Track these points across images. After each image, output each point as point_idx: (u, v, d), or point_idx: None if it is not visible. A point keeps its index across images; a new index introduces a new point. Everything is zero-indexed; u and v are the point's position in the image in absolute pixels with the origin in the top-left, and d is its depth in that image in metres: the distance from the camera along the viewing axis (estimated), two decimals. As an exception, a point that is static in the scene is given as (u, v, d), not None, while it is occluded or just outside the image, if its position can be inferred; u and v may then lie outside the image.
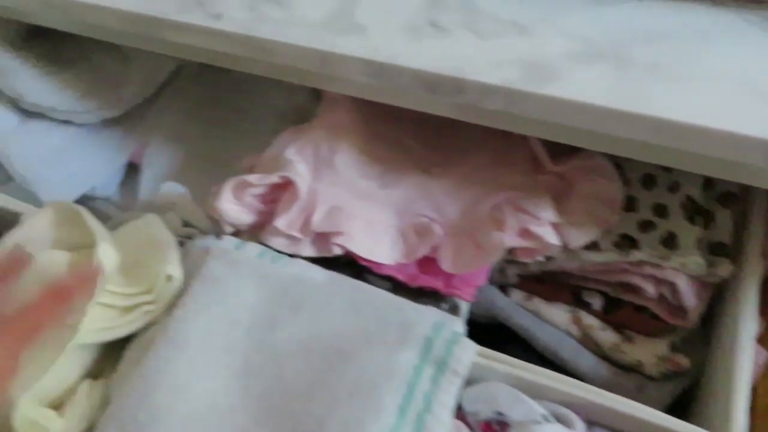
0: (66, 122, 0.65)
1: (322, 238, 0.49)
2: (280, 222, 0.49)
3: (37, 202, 0.61)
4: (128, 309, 0.44)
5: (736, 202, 0.49)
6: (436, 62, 0.41)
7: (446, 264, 0.48)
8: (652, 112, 0.37)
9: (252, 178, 0.47)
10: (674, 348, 0.49)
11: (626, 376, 0.49)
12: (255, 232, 0.52)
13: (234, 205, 0.49)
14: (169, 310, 0.44)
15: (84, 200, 0.65)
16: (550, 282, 0.53)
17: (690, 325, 0.48)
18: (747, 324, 0.44)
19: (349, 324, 0.42)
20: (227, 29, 0.45)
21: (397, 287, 0.49)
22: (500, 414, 0.43)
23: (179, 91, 0.67)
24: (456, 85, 0.40)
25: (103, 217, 0.65)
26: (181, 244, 0.55)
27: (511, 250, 0.48)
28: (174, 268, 0.45)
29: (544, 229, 0.46)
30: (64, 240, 0.47)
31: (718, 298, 0.49)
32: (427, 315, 0.43)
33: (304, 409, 0.39)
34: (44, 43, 0.63)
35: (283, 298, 0.43)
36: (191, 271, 0.47)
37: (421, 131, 0.54)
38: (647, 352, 0.49)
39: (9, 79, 0.60)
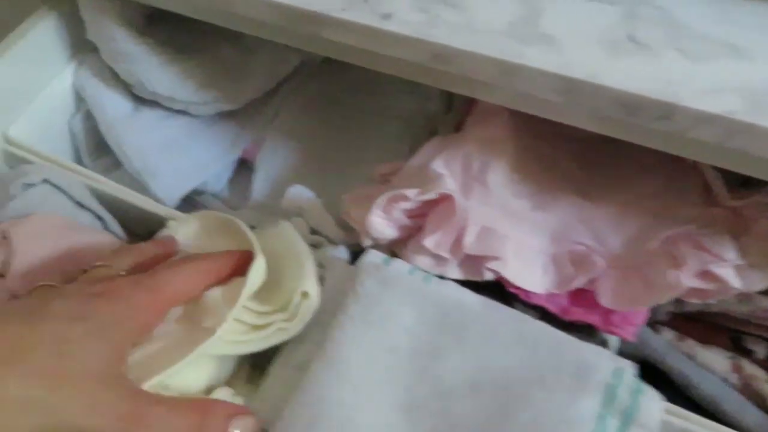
0: (180, 113, 0.62)
1: (471, 260, 0.46)
2: (430, 241, 0.45)
3: (146, 191, 0.58)
4: (261, 326, 0.41)
5: None
6: (639, 83, 0.37)
7: (606, 299, 0.45)
8: None
9: (409, 192, 0.44)
10: None
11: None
12: (393, 247, 0.49)
13: (382, 219, 0.46)
14: (318, 327, 0.41)
15: (193, 194, 0.62)
16: (705, 322, 0.49)
17: None
18: None
19: (520, 360, 0.39)
20: (397, 31, 0.42)
21: (545, 318, 0.46)
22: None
23: (298, 88, 0.64)
24: (663, 110, 0.36)
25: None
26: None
27: (677, 289, 0.44)
28: (311, 285, 0.41)
29: (727, 272, 0.42)
30: (213, 249, 0.44)
31: None
32: (605, 357, 0.39)
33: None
34: (165, 30, 0.61)
35: (444, 324, 0.40)
36: (333, 284, 0.44)
37: (579, 152, 0.50)
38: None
39: (132, 66, 0.58)
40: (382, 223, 0.46)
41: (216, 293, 0.41)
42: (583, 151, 0.50)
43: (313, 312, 0.41)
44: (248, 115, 0.63)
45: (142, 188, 0.59)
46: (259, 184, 0.62)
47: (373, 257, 0.45)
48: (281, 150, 0.62)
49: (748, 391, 0.47)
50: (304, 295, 0.41)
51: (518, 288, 0.46)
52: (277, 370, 0.40)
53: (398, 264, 0.45)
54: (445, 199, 0.46)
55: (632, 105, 0.37)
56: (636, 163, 0.49)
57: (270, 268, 0.43)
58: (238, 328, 0.41)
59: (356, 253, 0.52)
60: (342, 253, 0.51)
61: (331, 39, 0.44)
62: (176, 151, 0.61)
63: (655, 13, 0.41)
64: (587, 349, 0.39)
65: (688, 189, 0.47)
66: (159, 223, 0.51)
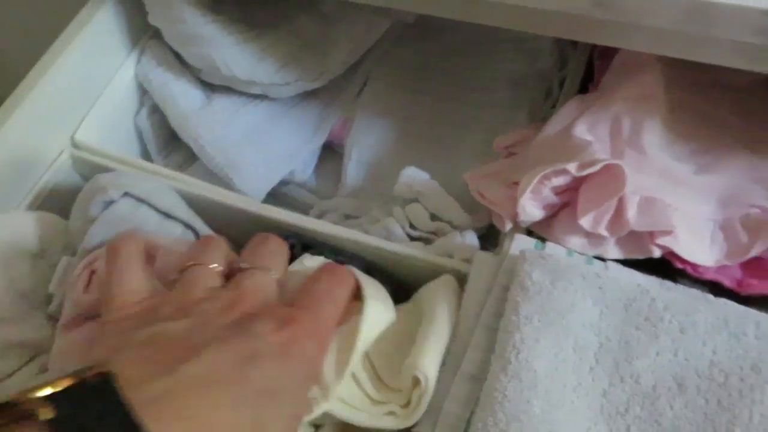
0: (258, 97, 0.57)
1: (632, 236, 0.40)
2: (586, 220, 0.40)
3: (229, 187, 0.53)
4: (377, 401, 0.35)
5: None
6: None
7: (791, 266, 0.39)
8: None
9: (570, 167, 0.38)
10: None
11: None
12: (536, 227, 0.43)
13: (530, 201, 0.40)
14: (482, 329, 0.36)
15: (278, 186, 0.57)
16: None
17: None
18: None
19: (725, 350, 0.34)
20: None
21: (717, 293, 0.40)
22: None
23: (385, 57, 0.57)
24: None
25: (301, 206, 0.57)
26: (428, 241, 0.48)
27: None
28: (426, 369, 0.34)
29: None
30: None
31: None
32: (827, 338, 0.34)
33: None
34: (235, 6, 0.54)
35: (632, 316, 0.35)
36: (481, 279, 0.39)
37: (740, 102, 0.44)
38: None
39: (204, 49, 0.52)
40: (531, 204, 0.40)
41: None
42: (744, 101, 0.44)
43: (427, 402, 0.34)
44: (332, 93, 0.57)
45: (225, 185, 0.54)
46: (353, 169, 0.56)
47: (524, 243, 0.39)
48: (373, 129, 0.56)
49: None
50: (415, 381, 0.34)
51: (686, 262, 0.40)
52: (444, 383, 0.35)
53: (553, 248, 0.40)
54: (605, 170, 0.40)
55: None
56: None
57: (406, 331, 0.37)
58: (357, 395, 0.35)
59: (481, 237, 0.47)
60: (472, 239, 0.45)
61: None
62: (259, 141, 0.56)
63: None
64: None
65: None
66: (250, 221, 0.46)
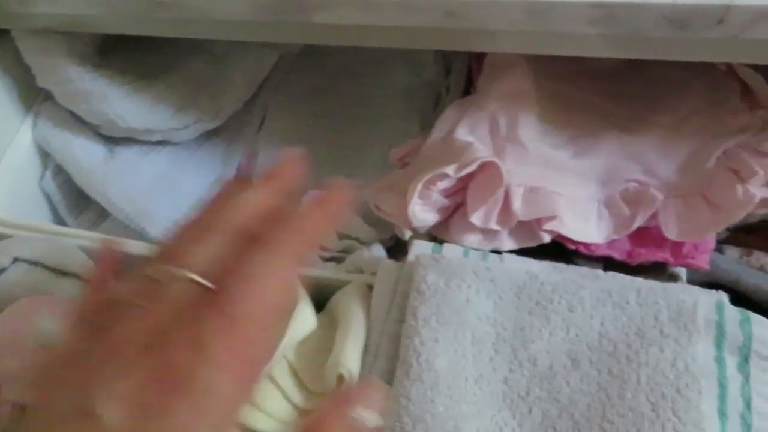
0: (160, 143, 0.57)
1: (524, 226, 0.42)
2: (476, 217, 0.42)
3: (144, 236, 0.53)
4: (303, 411, 0.36)
5: None
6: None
7: (672, 231, 0.42)
8: None
9: (448, 170, 0.40)
10: None
11: None
12: (434, 232, 0.45)
13: (420, 206, 0.42)
14: (386, 337, 0.37)
15: (194, 227, 0.57)
16: (765, 231, 0.46)
17: None
18: None
19: (611, 321, 0.36)
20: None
21: (609, 268, 0.43)
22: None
23: (279, 87, 0.59)
24: (716, 16, 0.33)
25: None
26: (340, 260, 0.49)
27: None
28: (350, 365, 0.35)
29: (798, 172, 0.40)
30: None
31: None
32: (700, 293, 0.36)
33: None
34: (121, 58, 0.55)
35: (524, 303, 0.37)
36: (385, 288, 0.40)
37: (606, 86, 0.47)
38: None
39: (96, 105, 0.52)
40: (422, 210, 0.42)
41: None
42: (611, 84, 0.47)
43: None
44: (235, 130, 0.58)
45: (140, 236, 0.54)
46: (264, 199, 0.57)
47: (422, 248, 0.41)
48: (275, 157, 0.58)
49: (832, 290, 0.45)
50: (340, 379, 0.35)
51: (578, 243, 0.43)
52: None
53: (450, 249, 0.41)
54: (484, 167, 0.42)
55: (684, 17, 0.34)
56: (668, 84, 0.46)
57: (324, 338, 0.38)
58: (284, 408, 0.35)
59: (391, 248, 0.49)
60: (379, 252, 0.47)
61: (324, 23, 0.40)
62: (166, 186, 0.56)
63: None
64: (676, 289, 0.36)
65: (728, 98, 0.44)
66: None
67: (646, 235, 0.43)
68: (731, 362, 0.34)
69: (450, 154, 0.43)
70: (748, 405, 0.33)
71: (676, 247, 0.42)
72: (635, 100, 0.46)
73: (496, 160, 0.40)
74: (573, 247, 0.43)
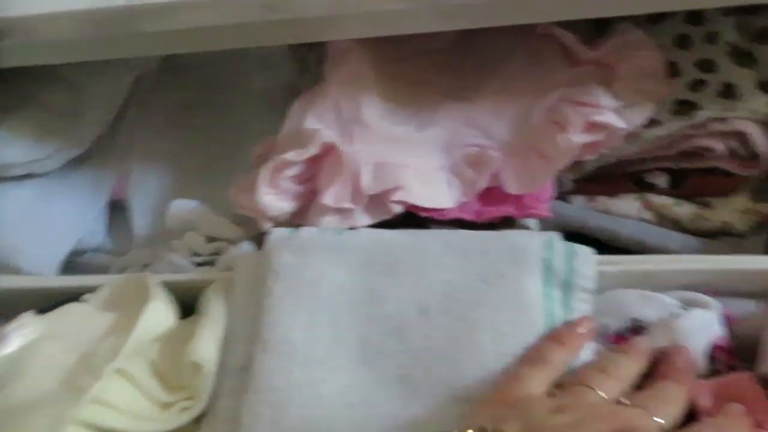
0: (26, 177, 0.56)
1: (376, 201, 0.45)
2: (328, 197, 0.44)
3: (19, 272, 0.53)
4: (166, 405, 0.37)
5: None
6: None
7: (512, 186, 0.45)
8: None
9: (289, 155, 0.42)
10: (754, 199, 0.48)
11: (718, 242, 0.48)
12: (295, 221, 0.46)
13: (271, 195, 0.44)
14: (248, 325, 0.38)
15: (73, 256, 0.57)
16: (607, 177, 0.50)
17: (763, 172, 0.47)
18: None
19: (456, 270, 0.38)
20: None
21: (465, 228, 0.45)
22: (635, 320, 0.40)
23: (145, 105, 0.59)
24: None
25: (103, 270, 0.58)
26: (211, 263, 0.50)
27: (570, 152, 0.45)
28: (203, 353, 0.36)
29: (609, 116, 0.44)
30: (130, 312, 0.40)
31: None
32: (533, 235, 0.39)
33: (452, 373, 0.35)
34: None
35: (374, 267, 0.39)
36: (247, 278, 0.41)
37: (440, 60, 0.50)
38: (730, 210, 0.48)
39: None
40: (273, 199, 0.44)
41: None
42: (445, 60, 0.50)
43: (211, 383, 0.36)
44: (102, 153, 0.58)
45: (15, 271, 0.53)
46: (140, 220, 0.57)
47: (279, 233, 0.43)
48: (152, 175, 0.58)
49: (663, 220, 0.49)
50: (195, 366, 0.36)
51: (429, 210, 0.45)
52: (222, 384, 0.37)
53: (306, 230, 0.43)
54: (329, 150, 0.44)
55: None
56: (494, 53, 0.49)
57: (189, 336, 0.39)
58: (143, 405, 0.36)
59: (259, 245, 0.50)
60: (248, 248, 0.48)
61: (155, 31, 0.41)
62: (36, 218, 0.56)
63: None
64: (513, 234, 0.39)
65: (550, 57, 0.48)
66: (46, 297, 0.46)
67: (492, 193, 0.46)
68: (557, 296, 0.37)
69: (299, 143, 0.45)
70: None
71: (519, 200, 0.45)
72: (467, 71, 0.49)
73: (334, 141, 0.42)
74: (425, 214, 0.45)
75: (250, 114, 0.58)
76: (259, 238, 0.50)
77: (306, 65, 0.57)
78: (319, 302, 0.37)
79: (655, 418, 0.32)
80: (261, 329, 0.37)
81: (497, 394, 0.32)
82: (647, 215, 0.49)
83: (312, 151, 0.42)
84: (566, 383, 0.33)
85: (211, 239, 0.50)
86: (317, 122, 0.46)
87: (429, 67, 0.50)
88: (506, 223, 0.46)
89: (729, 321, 0.41)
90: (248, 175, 0.49)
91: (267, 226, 0.45)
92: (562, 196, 0.51)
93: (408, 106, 0.48)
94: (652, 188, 0.50)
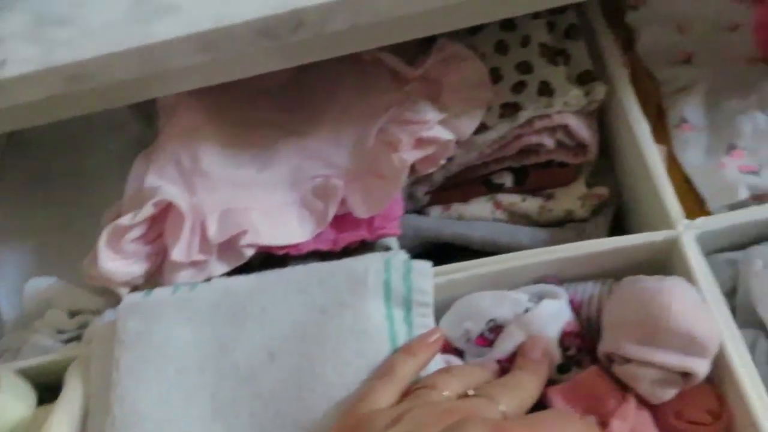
0: None
1: (227, 248, 0.45)
2: (177, 252, 0.43)
3: None
4: None
5: (580, 31, 0.51)
6: (263, 7, 0.38)
7: (360, 210, 0.46)
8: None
9: (124, 220, 0.42)
10: (589, 184, 0.51)
11: (564, 230, 0.50)
12: (154, 280, 0.46)
13: (117, 261, 0.43)
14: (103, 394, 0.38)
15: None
16: (458, 185, 0.52)
17: (593, 157, 0.50)
18: (641, 125, 0.47)
19: (300, 307, 0.39)
20: (19, 72, 0.39)
21: (324, 258, 0.46)
22: (491, 320, 0.42)
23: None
24: (295, 19, 0.38)
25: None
26: (79, 338, 0.48)
27: (412, 168, 0.47)
28: None
29: (436, 129, 0.45)
30: None
31: (605, 126, 0.51)
32: (374, 258, 0.40)
33: (300, 412, 0.35)
34: None
35: (220, 317, 0.39)
36: (107, 348, 0.41)
37: (270, 99, 0.50)
38: (570, 198, 0.50)
39: None
40: (120, 264, 0.43)
41: None
42: (279, 95, 0.51)
43: None
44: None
45: None
46: (5, 303, 0.55)
47: (130, 299, 0.42)
48: (11, 256, 0.56)
49: (515, 217, 0.51)
50: None
51: (285, 247, 0.46)
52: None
53: (160, 291, 0.42)
54: (170, 206, 0.44)
55: (269, 28, 0.38)
56: (326, 84, 0.50)
57: None
58: None
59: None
60: (109, 316, 0.47)
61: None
62: None
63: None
64: (353, 261, 0.40)
65: (379, 81, 0.49)
66: None
67: (345, 220, 0.47)
68: (398, 315, 0.38)
69: (142, 203, 0.45)
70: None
71: (370, 223, 0.46)
72: (303, 104, 0.50)
73: (172, 197, 0.42)
74: (282, 252, 0.46)
75: (105, 177, 0.58)
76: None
77: (151, 119, 0.57)
78: (168, 366, 0.37)
79: (499, 406, 0.33)
80: (110, 404, 0.36)
81: (348, 413, 0.33)
82: (500, 215, 0.51)
83: (148, 211, 0.42)
84: (411, 388, 0.34)
85: (74, 313, 0.48)
86: (158, 179, 0.46)
87: (265, 107, 0.50)
88: (366, 247, 0.47)
89: (574, 306, 0.44)
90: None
91: (123, 292, 0.45)
92: (421, 209, 0.53)
93: (248, 148, 0.48)
94: (500, 188, 0.52)
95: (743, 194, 0.46)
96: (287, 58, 0.42)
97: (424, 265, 0.39)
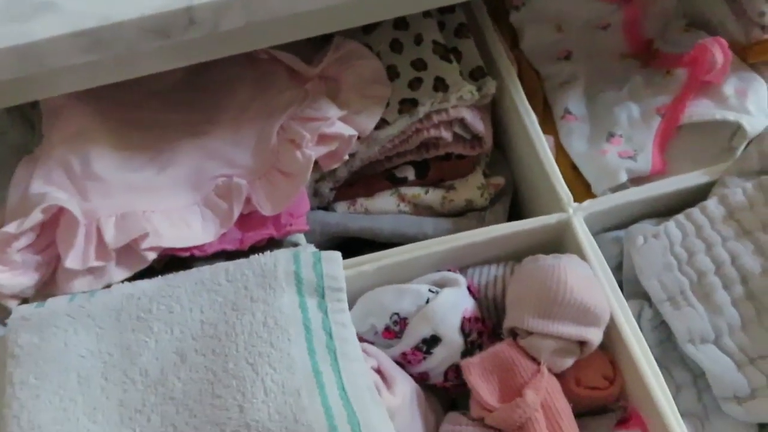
0: None
1: (128, 252, 0.43)
2: (71, 260, 0.41)
3: None
4: None
5: (468, 29, 0.54)
6: (155, 3, 0.37)
7: (266, 208, 0.46)
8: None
9: (9, 228, 0.39)
10: (486, 174, 0.54)
11: (466, 219, 0.53)
12: (45, 290, 0.43)
13: (4, 273, 0.40)
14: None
15: None
16: (362, 180, 0.53)
17: (488, 149, 0.53)
18: (531, 117, 0.50)
19: (209, 305, 0.38)
20: None
21: (231, 258, 0.45)
22: (394, 314, 0.43)
23: None
24: (187, 17, 0.37)
25: None
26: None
27: (316, 165, 0.47)
28: None
29: (338, 126, 0.46)
30: None
31: (497, 118, 0.54)
32: (282, 253, 0.40)
33: (215, 410, 0.34)
34: None
35: (126, 323, 0.37)
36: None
37: (165, 99, 0.49)
38: (469, 188, 0.53)
39: None
40: (7, 276, 0.40)
41: None
42: (176, 98, 0.49)
43: None
44: None
45: None
46: None
47: (20, 312, 0.39)
48: None
49: (418, 209, 0.53)
50: None
51: (189, 248, 0.44)
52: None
53: (54, 301, 0.40)
54: (61, 212, 0.42)
55: (160, 26, 0.37)
56: (224, 83, 0.50)
57: None
58: None
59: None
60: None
61: None
62: None
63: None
64: (262, 257, 0.40)
65: (277, 80, 0.49)
66: None
67: (251, 219, 0.46)
68: (312, 303, 0.38)
69: (25, 211, 0.42)
70: (330, 335, 0.37)
71: (276, 220, 0.46)
72: (201, 104, 0.49)
73: (64, 202, 0.40)
74: (186, 254, 0.44)
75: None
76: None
77: (33, 125, 0.54)
78: (68, 374, 0.35)
79: None
80: (5, 421, 0.34)
81: None
82: (404, 207, 0.53)
83: (36, 217, 0.40)
84: None
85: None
86: (44, 185, 0.43)
87: (161, 107, 0.49)
88: (273, 244, 0.47)
89: (474, 291, 0.46)
90: None
91: (12, 304, 0.42)
92: (327, 206, 0.54)
93: (144, 150, 0.46)
94: (403, 182, 0.53)
95: (623, 178, 0.50)
96: (179, 57, 0.41)
97: (333, 254, 0.40)
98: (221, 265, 0.40)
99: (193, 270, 0.41)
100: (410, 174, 0.53)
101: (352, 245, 0.51)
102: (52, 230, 0.42)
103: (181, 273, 0.41)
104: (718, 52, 0.47)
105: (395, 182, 0.53)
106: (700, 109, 0.49)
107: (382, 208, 0.53)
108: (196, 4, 0.37)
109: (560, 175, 0.48)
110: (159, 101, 0.49)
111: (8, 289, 0.40)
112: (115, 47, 0.37)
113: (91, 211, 0.43)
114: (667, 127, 0.49)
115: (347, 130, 0.46)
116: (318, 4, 0.40)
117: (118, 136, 0.46)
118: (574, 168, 0.51)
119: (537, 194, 0.51)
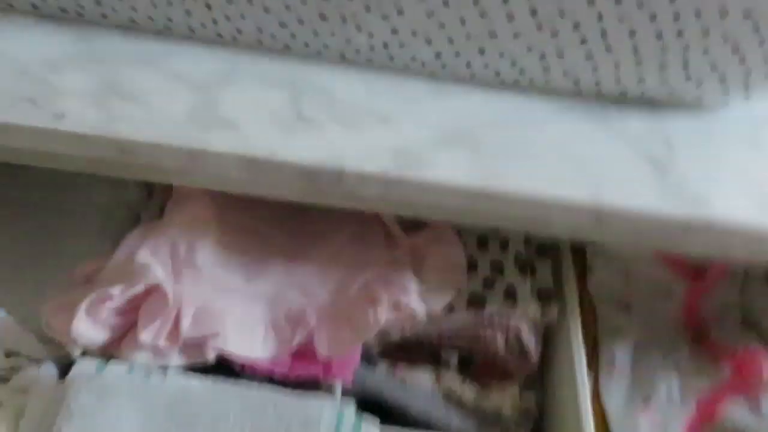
0: None
1: (193, 343, 0.46)
2: (146, 335, 0.44)
3: None
4: None
5: (549, 251, 0.59)
6: (313, 154, 0.43)
7: (323, 348, 0.49)
8: (506, 189, 0.43)
9: (114, 290, 0.43)
10: (522, 390, 0.56)
11: (491, 428, 0.54)
12: (108, 350, 0.46)
13: (88, 323, 0.44)
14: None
15: None
16: (408, 348, 0.56)
17: (534, 368, 0.56)
18: (580, 355, 0.53)
19: (251, 430, 0.40)
20: (74, 130, 0.41)
21: (274, 381, 0.48)
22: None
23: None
24: (336, 176, 0.43)
25: None
26: (5, 380, 0.47)
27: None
28: None
29: (414, 301, 0.50)
30: None
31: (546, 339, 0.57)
32: (327, 406, 0.43)
33: None
34: None
35: (172, 419, 0.40)
36: (40, 409, 0.40)
37: (278, 218, 0.54)
38: (504, 398, 0.55)
39: None
40: (89, 328, 0.44)
41: None
42: (284, 216, 0.54)
43: None
44: None
45: None
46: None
47: (84, 367, 0.42)
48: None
49: (449, 396, 0.55)
50: None
51: (243, 360, 0.47)
52: None
53: (115, 368, 0.43)
54: (155, 289, 0.45)
55: (311, 174, 0.43)
56: (326, 222, 0.55)
57: None
58: None
59: (68, 366, 0.48)
60: (50, 369, 0.46)
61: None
62: None
63: (317, 91, 0.47)
64: (310, 403, 0.43)
65: (374, 237, 0.54)
66: None
67: (305, 352, 0.49)
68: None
69: (127, 275, 0.46)
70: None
71: (327, 364, 0.49)
72: (301, 233, 0.54)
73: (162, 281, 0.44)
74: (239, 365, 0.47)
75: (82, 225, 0.58)
76: (63, 360, 0.48)
77: (152, 191, 0.59)
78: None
79: None
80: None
81: None
82: (437, 389, 0.55)
83: (138, 289, 0.43)
84: None
85: (9, 353, 0.47)
86: (150, 256, 0.48)
87: (270, 223, 0.54)
88: (313, 382, 0.49)
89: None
90: (66, 296, 0.48)
91: (76, 352, 0.45)
92: (368, 359, 0.56)
93: (240, 256, 0.51)
94: (446, 365, 0.56)
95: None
96: (313, 197, 0.46)
97: (374, 420, 0.42)
98: (270, 394, 0.43)
99: (244, 388, 0.43)
100: (454, 359, 0.56)
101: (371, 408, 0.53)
102: (139, 299, 0.46)
103: (231, 388, 0.43)
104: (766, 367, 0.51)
105: (437, 361, 0.56)
106: (737, 416, 0.52)
107: (418, 383, 0.55)
108: (346, 170, 0.42)
109: (591, 424, 0.50)
110: (270, 217, 0.54)
111: (84, 339, 0.43)
112: (269, 178, 0.43)
113: (178, 294, 0.47)
114: (699, 420, 0.52)
115: (420, 307, 0.50)
116: (440, 203, 0.45)
117: (224, 235, 0.51)
118: (604, 419, 0.53)
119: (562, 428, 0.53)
